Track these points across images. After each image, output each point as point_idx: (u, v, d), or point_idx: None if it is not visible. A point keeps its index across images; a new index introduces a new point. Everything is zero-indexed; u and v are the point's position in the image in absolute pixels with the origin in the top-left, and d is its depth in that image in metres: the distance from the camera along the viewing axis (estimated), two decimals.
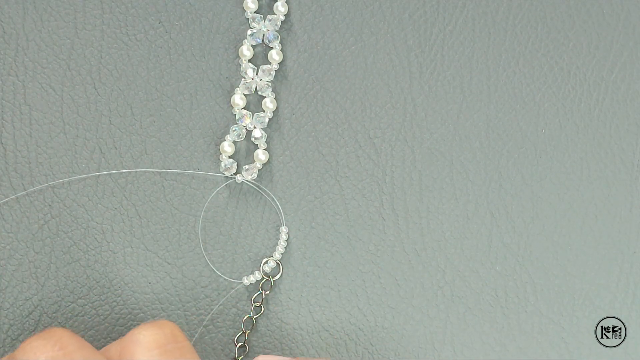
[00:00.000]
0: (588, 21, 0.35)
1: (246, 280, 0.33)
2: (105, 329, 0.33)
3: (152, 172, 0.33)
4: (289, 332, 0.33)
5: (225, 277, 0.33)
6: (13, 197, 0.32)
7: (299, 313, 0.34)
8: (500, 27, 0.35)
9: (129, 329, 0.33)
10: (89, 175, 0.32)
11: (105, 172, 0.33)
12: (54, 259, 0.32)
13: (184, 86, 0.33)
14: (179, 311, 0.33)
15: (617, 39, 0.35)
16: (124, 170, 0.33)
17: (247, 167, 0.33)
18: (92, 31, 0.32)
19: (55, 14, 0.32)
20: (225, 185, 0.33)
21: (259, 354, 0.33)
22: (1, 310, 0.32)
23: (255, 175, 0.33)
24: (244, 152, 0.34)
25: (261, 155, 0.33)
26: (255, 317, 0.33)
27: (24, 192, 0.32)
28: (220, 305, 0.33)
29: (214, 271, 0.33)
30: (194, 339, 0.33)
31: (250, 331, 0.33)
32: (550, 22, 0.35)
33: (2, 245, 0.32)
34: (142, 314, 0.33)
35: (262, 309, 0.33)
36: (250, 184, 0.33)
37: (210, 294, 0.33)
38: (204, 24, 0.33)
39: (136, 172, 0.33)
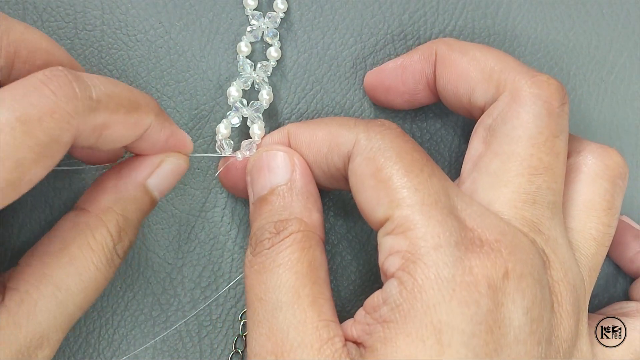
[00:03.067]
0: (588, 21, 0.35)
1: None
2: (107, 331, 0.33)
3: None
4: None
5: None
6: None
7: None
8: (500, 28, 0.35)
9: (132, 331, 0.33)
10: (85, 167, 0.32)
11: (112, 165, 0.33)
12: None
13: (184, 86, 0.33)
14: (179, 312, 0.33)
15: (617, 39, 0.35)
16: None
17: (245, 141, 0.32)
18: (92, 31, 0.32)
19: (55, 14, 0.32)
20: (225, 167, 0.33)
21: None
22: None
23: (254, 150, 0.32)
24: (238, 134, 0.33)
25: (257, 129, 0.32)
26: None
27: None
28: (223, 291, 0.33)
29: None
30: (195, 341, 0.33)
31: None
32: (550, 23, 0.35)
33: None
34: (142, 316, 0.33)
35: None
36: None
37: (210, 295, 0.33)
38: (203, 25, 0.33)
39: None
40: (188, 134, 0.33)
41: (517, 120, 0.28)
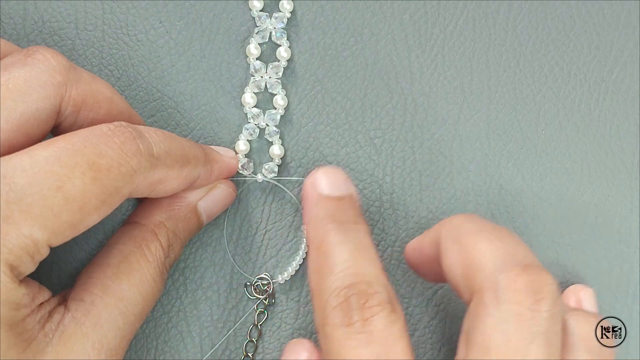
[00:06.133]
0: (588, 21, 0.35)
1: (281, 278, 0.33)
2: None
3: None
4: (290, 333, 0.33)
5: (247, 276, 0.33)
6: None
7: (298, 314, 0.33)
8: (500, 28, 0.35)
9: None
10: None
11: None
12: (64, 260, 0.32)
13: (185, 87, 0.33)
14: (180, 313, 0.33)
15: (617, 39, 0.35)
16: None
17: (267, 165, 0.33)
18: (93, 32, 0.32)
19: (56, 14, 0.32)
20: (246, 185, 0.33)
21: (267, 351, 0.33)
22: None
23: (276, 172, 0.33)
24: (256, 149, 0.34)
25: (277, 150, 0.33)
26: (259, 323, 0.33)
27: None
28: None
29: (241, 272, 0.33)
30: (195, 342, 0.33)
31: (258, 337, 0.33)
32: (551, 23, 0.35)
33: None
34: (148, 320, 0.33)
35: (266, 313, 0.33)
36: (272, 182, 0.33)
37: (211, 297, 0.33)
38: (204, 25, 0.33)
39: None
40: (188, 134, 0.33)
41: (484, 327, 0.26)
